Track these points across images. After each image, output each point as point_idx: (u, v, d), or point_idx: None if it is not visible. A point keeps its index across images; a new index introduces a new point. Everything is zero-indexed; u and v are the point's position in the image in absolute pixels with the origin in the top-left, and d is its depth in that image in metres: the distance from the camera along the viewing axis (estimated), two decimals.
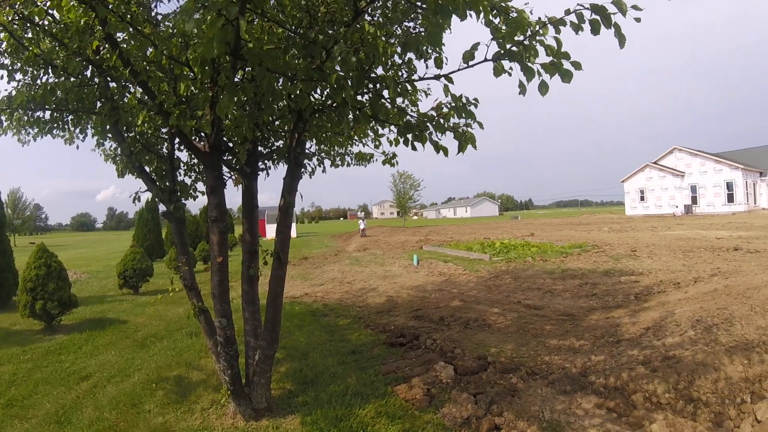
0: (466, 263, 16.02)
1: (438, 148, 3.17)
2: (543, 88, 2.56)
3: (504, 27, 2.49)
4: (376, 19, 3.48)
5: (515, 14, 2.51)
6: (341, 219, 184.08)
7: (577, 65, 2.51)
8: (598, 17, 2.33)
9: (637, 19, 2.38)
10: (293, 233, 42.03)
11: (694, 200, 51.85)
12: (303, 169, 5.02)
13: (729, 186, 49.71)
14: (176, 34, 3.71)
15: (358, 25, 3.02)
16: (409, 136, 3.20)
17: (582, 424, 4.31)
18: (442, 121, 3.16)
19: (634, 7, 2.36)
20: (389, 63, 3.68)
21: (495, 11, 2.56)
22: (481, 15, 2.43)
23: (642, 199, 55.74)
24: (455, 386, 5.22)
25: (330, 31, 3.28)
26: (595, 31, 2.35)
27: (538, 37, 2.54)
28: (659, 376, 4.76)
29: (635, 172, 56.57)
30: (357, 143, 6.14)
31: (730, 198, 49.54)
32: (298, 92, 3.25)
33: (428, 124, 3.16)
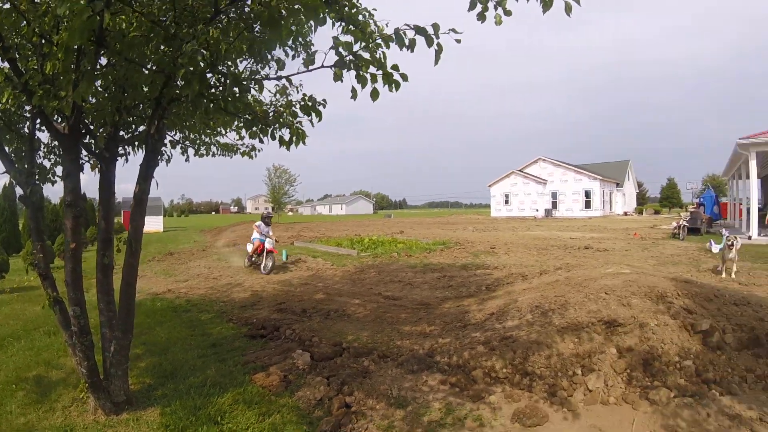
0: (335, 258, 16.34)
1: (281, 142, 3.46)
2: (374, 95, 2.91)
3: (343, 37, 2.83)
4: (229, 18, 3.66)
5: (353, 27, 2.86)
6: (213, 213, 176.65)
7: (404, 77, 2.91)
8: (419, 36, 2.72)
9: (458, 41, 2.81)
10: (160, 227, 40.25)
11: (555, 205, 56.83)
12: (160, 156, 4.99)
13: (587, 194, 55.22)
14: (49, 12, 3.64)
15: (210, 27, 3.20)
16: (255, 128, 3.46)
17: (426, 398, 4.75)
18: (282, 117, 3.45)
19: (453, 30, 2.78)
20: (232, 63, 3.90)
21: (339, 22, 2.88)
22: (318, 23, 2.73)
23: (507, 202, 60.06)
24: (311, 371, 5.47)
25: (191, 29, 3.41)
26: (411, 48, 2.75)
27: (373, 48, 2.89)
28: (497, 353, 5.30)
29: (501, 178, 60.85)
30: (222, 134, 6.20)
31: (588, 204, 55.00)
32: (151, 82, 3.38)
33: (270, 117, 3.44)
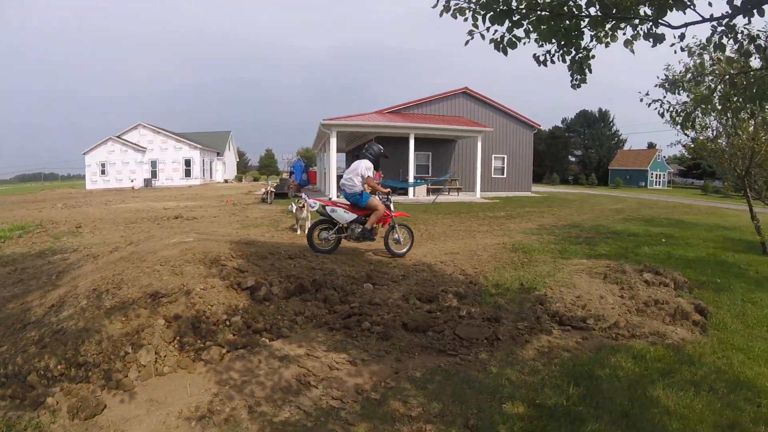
0: None
1: None
2: None
3: None
4: None
5: None
6: None
7: None
8: None
9: None
10: None
11: (154, 174, 55.02)
12: None
13: (188, 162, 55.12)
14: None
15: None
16: None
17: None
18: None
19: None
20: None
21: None
22: None
23: (103, 172, 54.92)
24: None
25: None
26: None
27: None
28: (49, 351, 4.74)
29: (98, 145, 55.07)
30: None
31: (188, 173, 55.00)
32: None
33: None
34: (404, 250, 10.00)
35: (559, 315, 6.62)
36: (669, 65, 10.37)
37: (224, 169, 65.90)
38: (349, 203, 9.44)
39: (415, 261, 9.50)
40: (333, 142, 25.30)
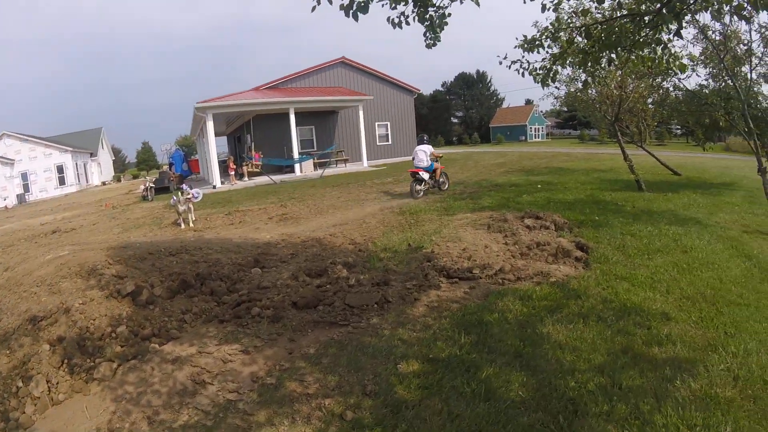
0: None
1: None
2: None
3: None
4: None
5: None
6: None
7: None
8: None
9: None
10: None
11: (27, 188, 49.89)
12: None
13: (60, 169, 50.28)
14: None
15: None
16: None
17: None
18: None
19: None
20: None
21: None
22: None
23: None
24: None
25: None
26: None
27: None
28: None
29: None
30: None
31: (62, 181, 50.34)
32: None
33: None
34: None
35: (446, 269, 6.72)
36: (537, 22, 10.76)
37: (100, 170, 60.69)
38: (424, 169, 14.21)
39: (304, 238, 9.32)
40: (210, 125, 23.88)
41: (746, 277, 6.32)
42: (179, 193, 12.12)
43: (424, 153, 14.41)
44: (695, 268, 6.52)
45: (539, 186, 14.22)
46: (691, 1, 4.38)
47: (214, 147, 24.92)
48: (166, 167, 33.16)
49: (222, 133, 38.65)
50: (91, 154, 57.71)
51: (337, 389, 4.01)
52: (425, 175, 14.22)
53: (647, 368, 4.06)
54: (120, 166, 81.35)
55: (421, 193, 14.07)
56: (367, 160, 28.86)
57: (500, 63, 6.00)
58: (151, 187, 22.64)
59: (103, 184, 56.43)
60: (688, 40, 11.56)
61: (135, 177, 61.94)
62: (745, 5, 4.01)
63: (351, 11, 3.98)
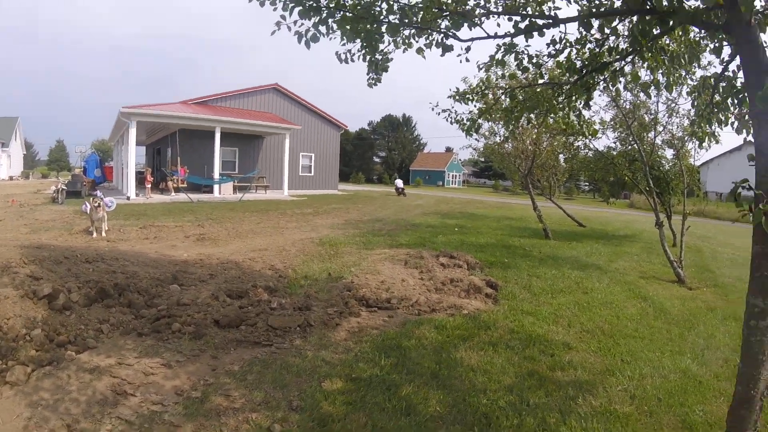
0: None
1: None
2: None
3: None
4: None
5: None
6: None
7: None
8: None
9: None
10: None
11: None
12: None
13: None
14: None
15: None
16: None
17: None
18: None
19: None
20: None
21: None
22: None
23: None
24: None
25: None
26: None
27: None
28: None
29: None
30: None
31: None
32: None
33: None
34: None
35: (365, 299, 7.06)
36: (466, 78, 11.68)
37: (9, 163, 55.50)
38: None
39: (223, 260, 9.28)
40: (132, 133, 22.81)
41: (641, 314, 7.11)
42: (92, 199, 11.73)
43: None
44: (595, 306, 7.28)
45: (456, 228, 14.94)
46: (601, 79, 5.05)
47: (133, 156, 23.88)
48: (79, 170, 31.38)
49: (142, 143, 37.27)
50: (2, 144, 52.51)
51: (264, 404, 4.09)
52: None
53: (552, 389, 4.53)
54: (29, 162, 75.61)
55: None
56: (288, 189, 28.80)
57: (432, 110, 6.52)
58: (63, 189, 21.36)
59: (11, 179, 51.84)
60: (600, 107, 12.82)
61: (44, 176, 57.77)
62: (650, 84, 4.74)
63: (304, 39, 4.27)
